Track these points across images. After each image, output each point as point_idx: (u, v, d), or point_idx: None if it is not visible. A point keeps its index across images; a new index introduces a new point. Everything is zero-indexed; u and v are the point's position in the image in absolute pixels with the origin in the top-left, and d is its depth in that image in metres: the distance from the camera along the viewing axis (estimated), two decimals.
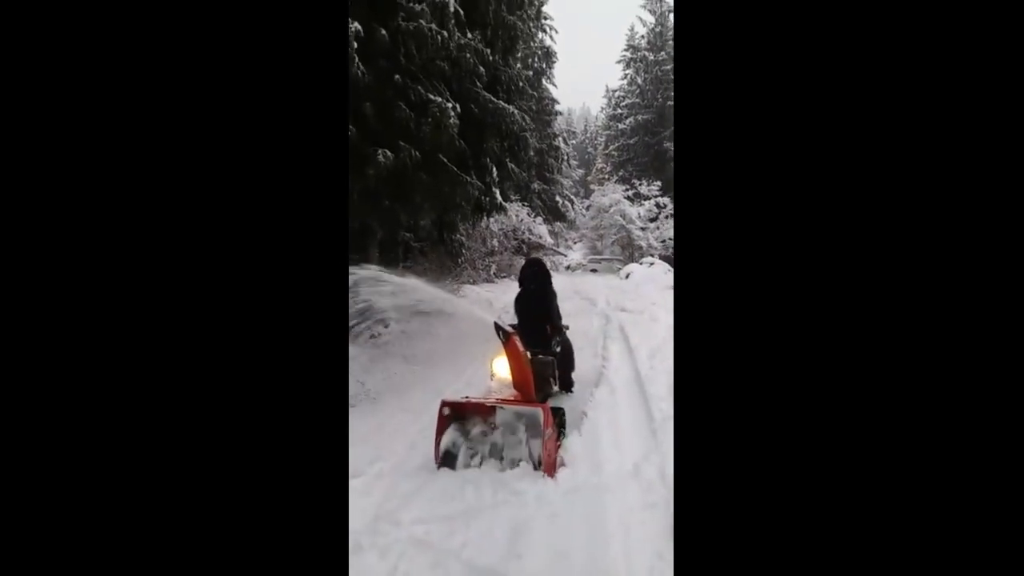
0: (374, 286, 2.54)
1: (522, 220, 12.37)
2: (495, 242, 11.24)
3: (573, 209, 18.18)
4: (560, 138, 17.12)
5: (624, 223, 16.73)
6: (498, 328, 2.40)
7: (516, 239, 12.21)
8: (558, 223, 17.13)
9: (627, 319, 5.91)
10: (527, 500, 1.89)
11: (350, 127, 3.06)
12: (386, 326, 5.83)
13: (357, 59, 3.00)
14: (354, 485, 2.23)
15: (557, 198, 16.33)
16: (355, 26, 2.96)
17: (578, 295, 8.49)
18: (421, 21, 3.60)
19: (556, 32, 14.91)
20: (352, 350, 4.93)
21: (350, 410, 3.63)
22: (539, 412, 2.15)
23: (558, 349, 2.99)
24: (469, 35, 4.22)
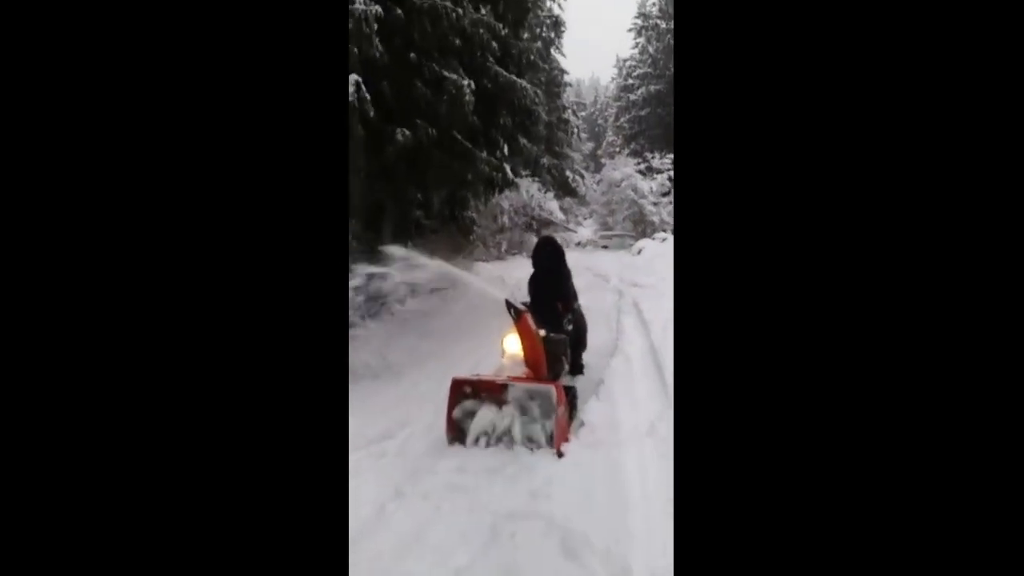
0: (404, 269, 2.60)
1: (532, 196, 12.36)
2: (505, 219, 11.28)
3: (583, 184, 18.02)
4: (570, 111, 16.86)
5: (636, 198, 16.55)
6: (509, 306, 2.38)
7: (527, 215, 12.23)
8: (568, 198, 17.03)
9: (640, 294, 6.00)
10: (551, 456, 2.06)
11: (369, 107, 3.14)
12: (402, 303, 6.01)
13: (377, 40, 3.06)
14: (388, 446, 2.43)
15: (567, 173, 16.17)
16: (376, 8, 3.01)
17: (590, 271, 8.56)
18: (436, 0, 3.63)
19: (565, 0, 14.59)
20: (372, 327, 5.13)
21: (375, 381, 3.83)
22: (552, 390, 2.17)
23: (570, 327, 2.95)
24: (482, 10, 4.22)
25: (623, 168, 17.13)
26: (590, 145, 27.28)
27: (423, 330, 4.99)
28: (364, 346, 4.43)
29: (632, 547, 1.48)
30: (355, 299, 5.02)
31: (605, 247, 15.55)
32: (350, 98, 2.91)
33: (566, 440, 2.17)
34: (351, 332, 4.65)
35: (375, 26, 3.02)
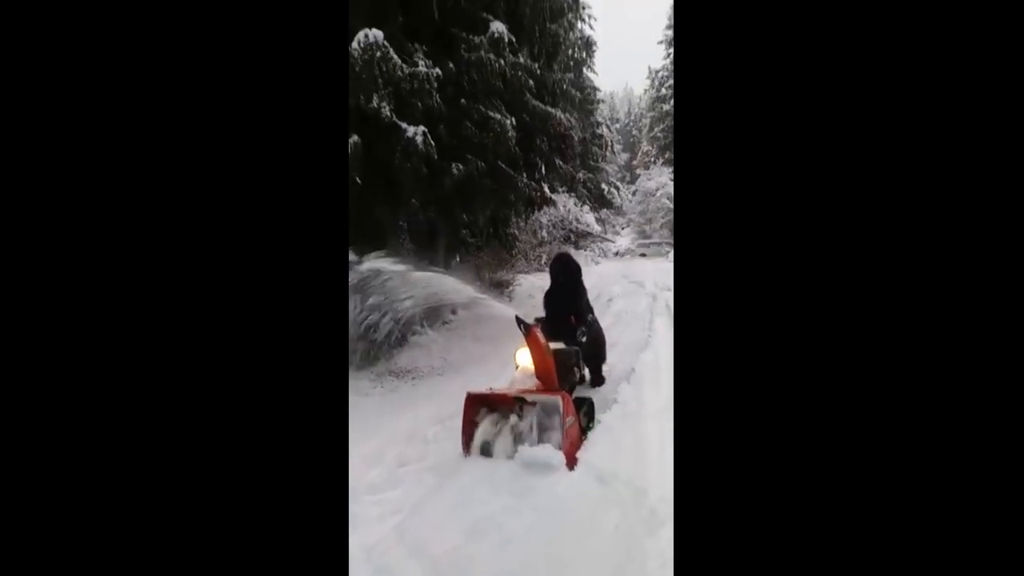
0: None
1: (569, 210, 12.89)
2: (544, 233, 11.86)
3: (619, 195, 18.39)
4: (604, 126, 17.35)
5: (672, 206, 16.77)
6: (519, 321, 2.48)
7: (564, 229, 12.77)
8: (605, 210, 17.43)
9: (673, 297, 6.39)
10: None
11: (433, 151, 3.82)
12: (454, 312, 6.69)
13: (437, 95, 3.75)
14: (458, 421, 3.03)
15: (603, 186, 16.62)
16: (436, 71, 3.71)
17: (626, 279, 9.02)
18: (481, 52, 4.31)
19: (595, 20, 15.18)
20: (431, 334, 5.80)
21: (441, 378, 4.47)
22: (559, 400, 2.25)
23: (583, 339, 3.10)
24: (520, 56, 4.87)
25: (658, 178, 17.41)
26: (625, 156, 27.56)
27: (475, 335, 5.61)
28: (427, 351, 5.11)
29: (648, 479, 1.98)
30: (413, 312, 5.73)
31: (643, 255, 15.82)
32: (419, 146, 3.60)
33: (576, 452, 2.21)
34: (414, 339, 5.35)
35: (435, 84, 3.71)
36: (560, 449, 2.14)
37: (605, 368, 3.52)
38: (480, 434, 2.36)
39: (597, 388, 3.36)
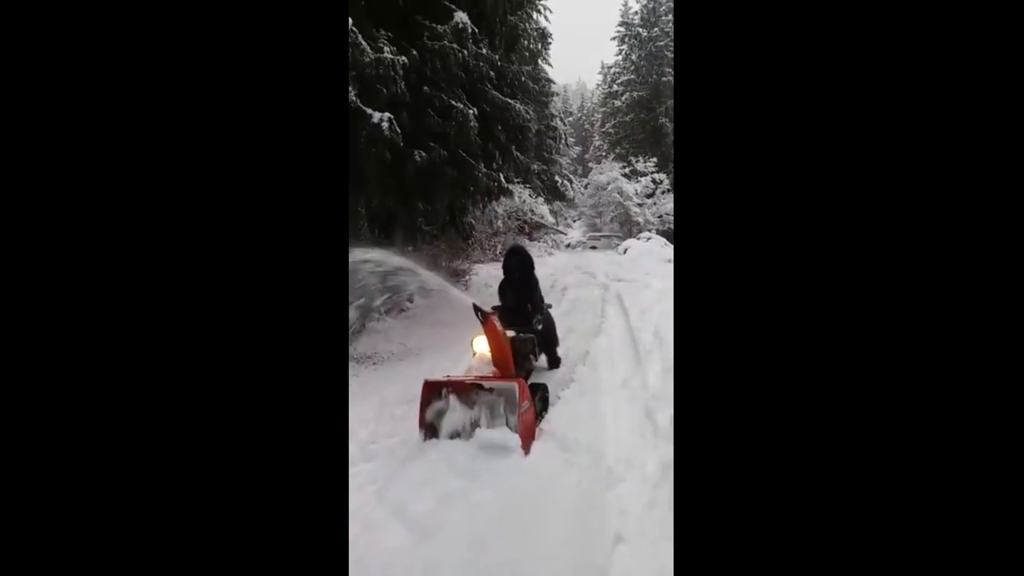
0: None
1: (525, 201, 13.12)
2: (500, 223, 12.02)
3: (572, 188, 18.82)
4: (558, 118, 17.63)
5: (622, 200, 17.43)
6: (476, 309, 2.52)
7: (519, 220, 12.98)
8: (558, 202, 17.81)
9: (624, 288, 6.74)
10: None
11: (399, 138, 3.85)
12: (411, 301, 6.72)
13: (402, 82, 3.77)
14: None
15: (556, 178, 16.96)
16: (402, 58, 3.73)
17: (579, 270, 9.38)
18: (444, 41, 4.35)
19: (551, 12, 15.33)
20: (389, 321, 5.82)
21: (401, 362, 4.53)
22: (514, 386, 2.30)
23: (539, 327, 3.24)
24: (480, 46, 4.95)
25: (609, 172, 18.00)
26: (578, 149, 28.16)
27: (433, 321, 5.69)
28: (386, 337, 5.13)
29: (606, 445, 2.21)
30: (371, 301, 5.72)
31: (594, 247, 16.37)
32: (385, 132, 3.62)
33: (533, 436, 2.26)
34: (373, 325, 5.35)
35: (401, 71, 3.73)
36: (516, 432, 2.21)
37: (560, 351, 3.75)
38: (437, 419, 2.39)
39: (554, 370, 3.57)
